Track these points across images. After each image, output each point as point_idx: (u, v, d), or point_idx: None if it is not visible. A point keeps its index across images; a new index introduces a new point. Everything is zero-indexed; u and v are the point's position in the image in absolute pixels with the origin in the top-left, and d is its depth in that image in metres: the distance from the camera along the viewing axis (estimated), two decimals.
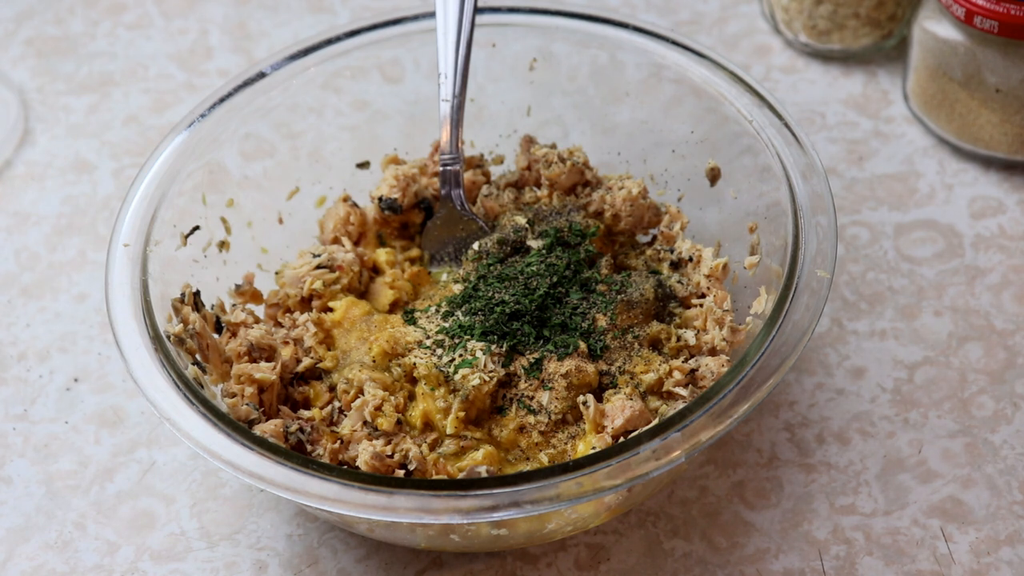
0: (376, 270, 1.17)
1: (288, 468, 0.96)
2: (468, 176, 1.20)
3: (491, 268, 1.11)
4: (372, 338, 1.09)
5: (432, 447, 1.05)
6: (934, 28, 1.25)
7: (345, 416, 1.06)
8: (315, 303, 1.13)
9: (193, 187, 1.14)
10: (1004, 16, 1.20)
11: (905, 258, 1.23)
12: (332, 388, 1.09)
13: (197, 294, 1.10)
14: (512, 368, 1.06)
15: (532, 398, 1.05)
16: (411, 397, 1.07)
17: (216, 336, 1.09)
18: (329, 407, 1.07)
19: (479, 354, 1.06)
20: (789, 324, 1.01)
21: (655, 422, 1.01)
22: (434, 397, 1.05)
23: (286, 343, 1.10)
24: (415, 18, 1.22)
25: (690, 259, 1.13)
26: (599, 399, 1.06)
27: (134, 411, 1.17)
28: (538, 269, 1.10)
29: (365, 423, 1.04)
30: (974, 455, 1.11)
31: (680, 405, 1.04)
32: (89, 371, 1.20)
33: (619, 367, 1.07)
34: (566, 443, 1.05)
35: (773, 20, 1.40)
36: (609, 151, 1.23)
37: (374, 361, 1.07)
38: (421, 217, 1.20)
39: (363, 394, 1.05)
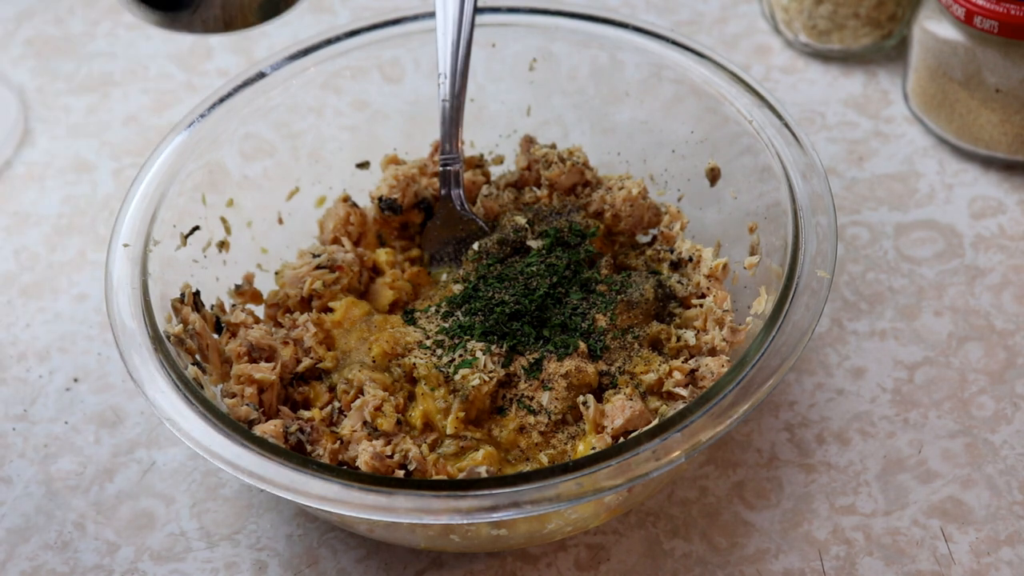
0: (376, 270, 1.17)
1: (288, 468, 0.96)
2: (468, 176, 1.20)
3: (491, 268, 1.11)
4: (372, 338, 1.09)
5: (432, 447, 1.05)
6: (934, 28, 1.25)
7: (345, 416, 1.06)
8: (315, 303, 1.13)
9: (193, 187, 1.14)
10: (1004, 16, 1.20)
11: (905, 258, 1.23)
12: (332, 388, 1.08)
13: (197, 294, 1.10)
14: (512, 368, 1.06)
15: (532, 398, 1.05)
16: (411, 397, 1.07)
17: (216, 336, 1.09)
18: (329, 407, 1.07)
19: (479, 354, 1.06)
20: (789, 324, 1.01)
21: (655, 422, 1.01)
22: (434, 397, 1.05)
23: (286, 343, 1.10)
24: (415, 18, 1.22)
25: (690, 259, 1.13)
26: (599, 399, 1.06)
27: (134, 411, 1.17)
28: (538, 269, 1.10)
29: (365, 423, 1.04)
30: (974, 455, 1.11)
31: (680, 405, 1.04)
32: (89, 371, 1.20)
33: (619, 367, 1.07)
34: (566, 443, 1.05)
35: (773, 20, 1.39)
36: (609, 151, 1.23)
37: (374, 361, 1.07)
38: (421, 217, 1.20)
39: (363, 394, 1.05)
